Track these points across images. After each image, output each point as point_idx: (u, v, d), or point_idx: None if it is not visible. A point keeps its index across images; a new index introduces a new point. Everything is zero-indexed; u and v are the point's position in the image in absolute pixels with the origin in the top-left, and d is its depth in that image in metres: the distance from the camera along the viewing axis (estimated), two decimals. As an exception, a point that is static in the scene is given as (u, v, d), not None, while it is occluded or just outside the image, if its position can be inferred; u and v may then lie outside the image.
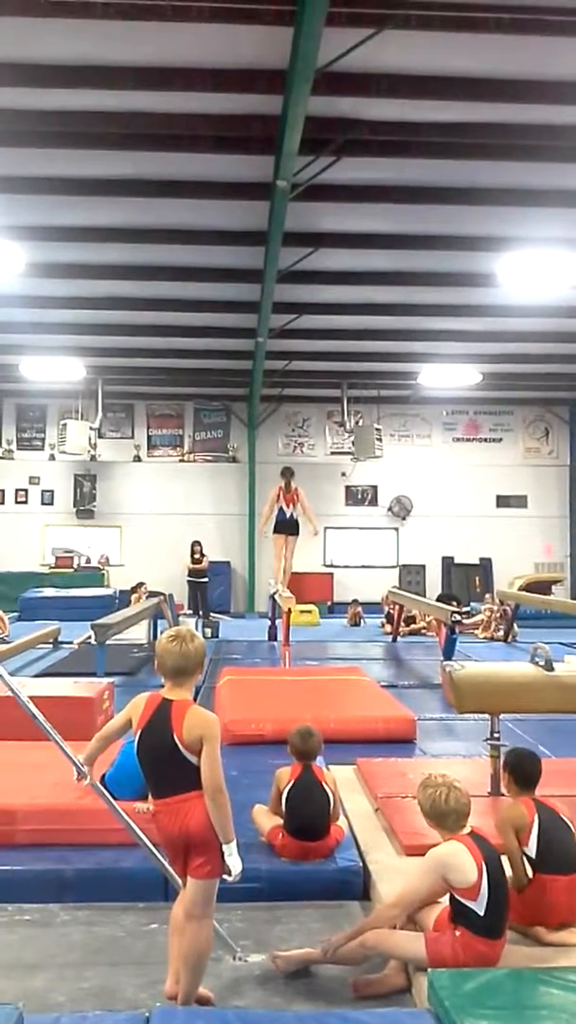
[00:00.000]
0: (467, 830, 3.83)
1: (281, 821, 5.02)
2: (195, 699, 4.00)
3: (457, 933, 3.67)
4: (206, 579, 19.43)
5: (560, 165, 9.98)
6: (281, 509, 13.22)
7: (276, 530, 13.39)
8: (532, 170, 10.22)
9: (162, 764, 3.57)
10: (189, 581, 19.33)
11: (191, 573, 19.28)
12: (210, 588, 19.88)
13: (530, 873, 4.08)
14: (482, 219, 11.59)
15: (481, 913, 3.65)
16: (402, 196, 11.01)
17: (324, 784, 5.05)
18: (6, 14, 7.55)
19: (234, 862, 3.53)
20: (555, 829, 4.15)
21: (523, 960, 3.77)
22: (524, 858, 4.09)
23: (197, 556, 19.19)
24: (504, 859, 3.95)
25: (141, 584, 17.16)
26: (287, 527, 13.27)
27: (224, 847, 3.52)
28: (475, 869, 3.67)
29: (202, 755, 3.50)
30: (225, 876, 3.55)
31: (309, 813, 4.95)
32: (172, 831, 3.56)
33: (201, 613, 18.35)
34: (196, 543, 19.41)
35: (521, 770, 4.41)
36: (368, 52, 7.83)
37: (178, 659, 3.64)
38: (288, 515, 13.18)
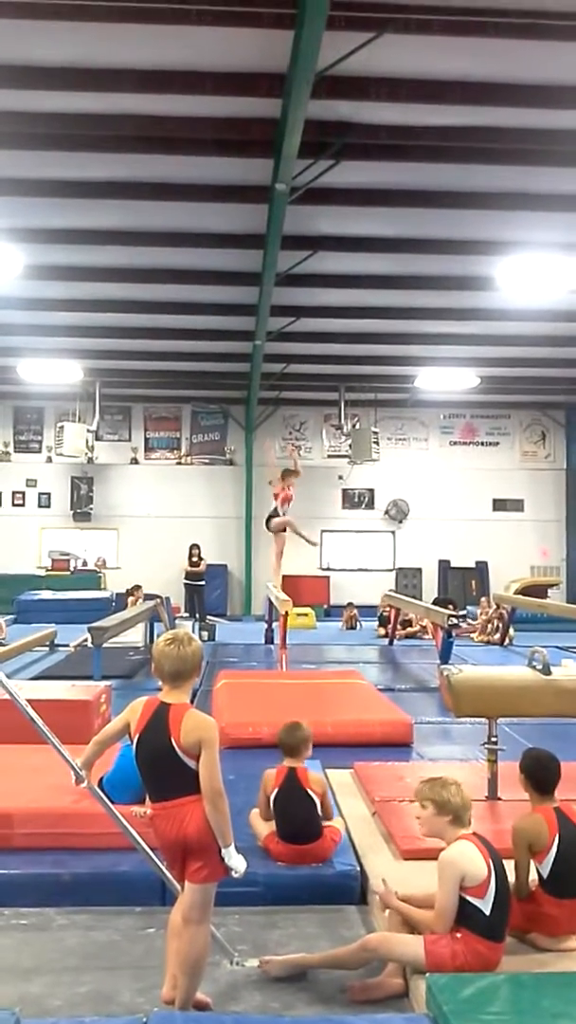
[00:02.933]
0: (470, 830, 3.81)
1: (274, 826, 5.01)
2: (192, 702, 3.99)
3: (458, 935, 3.65)
4: (203, 582, 19.43)
5: (559, 169, 9.99)
6: (275, 508, 13.85)
7: (269, 527, 14.08)
8: (531, 174, 10.23)
9: (160, 768, 3.56)
10: (186, 584, 19.32)
11: (188, 576, 19.28)
12: (207, 591, 19.88)
13: (533, 887, 4.00)
14: (481, 223, 11.60)
15: (487, 912, 3.63)
16: (401, 200, 11.01)
17: (307, 788, 5.00)
18: (3, 16, 7.53)
19: (236, 862, 3.52)
20: (575, 849, 3.95)
21: (521, 965, 3.76)
22: (531, 872, 4.00)
23: (195, 559, 19.18)
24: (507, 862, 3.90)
25: (138, 587, 17.15)
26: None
27: (223, 851, 3.51)
28: (485, 866, 3.65)
29: (200, 759, 3.48)
30: (233, 875, 3.54)
31: (297, 818, 4.94)
32: (170, 835, 3.54)
33: (198, 616, 18.35)
34: (194, 546, 19.42)
35: (539, 773, 4.20)
36: (367, 56, 7.84)
37: (175, 662, 3.62)
38: (280, 514, 13.80)
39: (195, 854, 3.51)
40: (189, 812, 3.49)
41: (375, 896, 4.47)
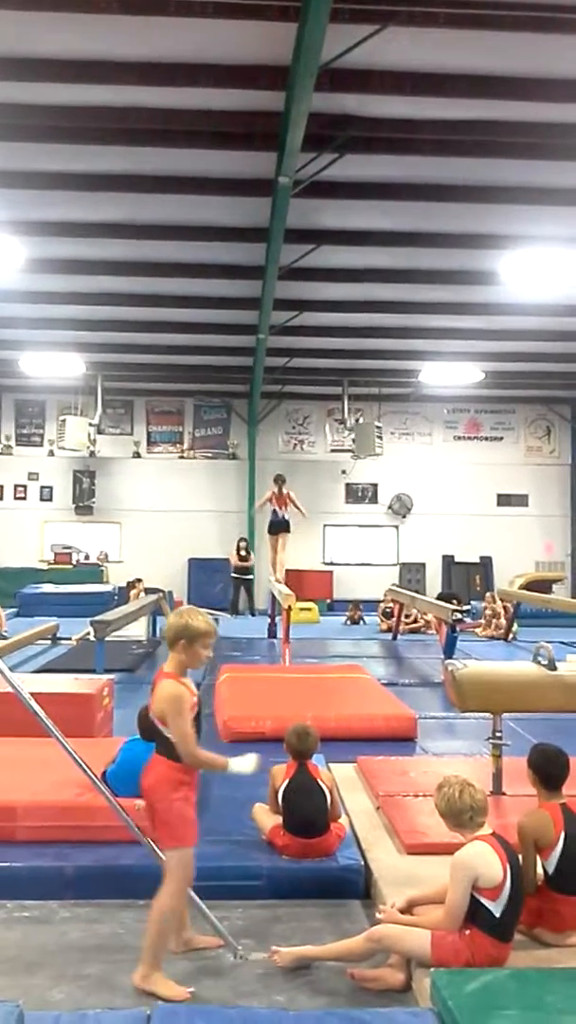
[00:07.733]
0: (488, 830, 3.77)
1: (280, 820, 5.00)
2: (197, 693, 3.99)
3: (467, 932, 3.64)
4: (252, 576, 19.42)
5: (564, 163, 9.94)
6: (274, 511, 15.00)
7: (270, 531, 15.21)
8: (536, 168, 10.19)
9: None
10: (235, 578, 19.29)
11: (238, 570, 19.22)
12: (212, 584, 19.93)
13: (539, 882, 3.98)
14: (485, 217, 11.56)
15: (497, 915, 3.61)
16: (405, 193, 10.98)
17: (319, 780, 5.03)
18: (7, 8, 7.51)
19: (241, 765, 3.88)
20: None
21: (527, 960, 3.75)
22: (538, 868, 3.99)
23: (243, 553, 19.15)
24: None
25: (138, 580, 17.18)
26: (279, 527, 15.04)
27: (228, 769, 3.89)
28: (501, 869, 3.62)
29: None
30: (244, 771, 3.92)
31: (307, 809, 4.93)
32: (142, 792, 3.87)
33: (245, 609, 18.93)
34: (242, 539, 19.41)
35: (547, 769, 4.19)
36: (372, 49, 7.81)
37: (166, 629, 3.98)
38: (280, 516, 14.98)
39: (156, 815, 3.79)
40: (150, 767, 3.82)
41: (379, 895, 4.47)
